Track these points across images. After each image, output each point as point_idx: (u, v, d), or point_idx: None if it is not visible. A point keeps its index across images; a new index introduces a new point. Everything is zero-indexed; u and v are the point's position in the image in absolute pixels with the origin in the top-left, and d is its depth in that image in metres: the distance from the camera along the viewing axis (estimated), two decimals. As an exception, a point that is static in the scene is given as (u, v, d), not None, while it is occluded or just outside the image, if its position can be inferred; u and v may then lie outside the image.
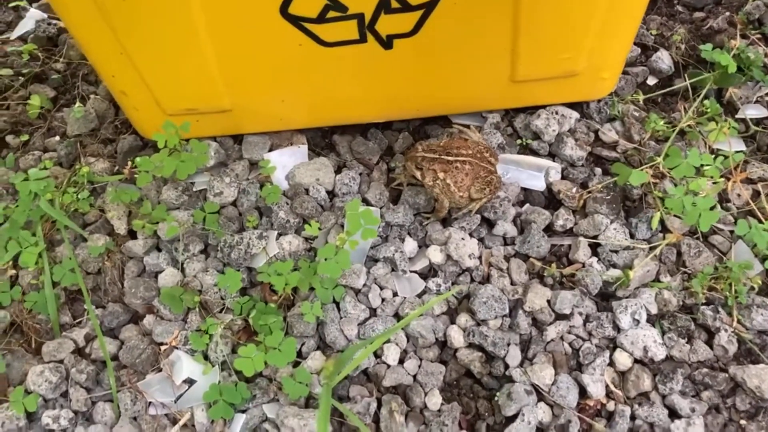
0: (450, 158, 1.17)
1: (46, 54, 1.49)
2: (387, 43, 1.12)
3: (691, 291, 1.15)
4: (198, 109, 1.22)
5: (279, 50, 1.11)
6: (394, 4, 1.05)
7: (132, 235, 1.26)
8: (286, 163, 1.30)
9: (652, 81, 1.42)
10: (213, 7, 1.02)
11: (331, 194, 1.28)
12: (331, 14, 1.05)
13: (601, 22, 1.11)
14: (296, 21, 1.06)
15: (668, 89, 1.38)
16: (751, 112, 1.35)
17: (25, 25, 1.55)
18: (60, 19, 1.57)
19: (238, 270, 1.18)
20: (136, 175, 1.27)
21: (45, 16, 1.56)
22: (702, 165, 1.15)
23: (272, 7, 1.03)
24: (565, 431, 1.04)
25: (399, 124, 1.35)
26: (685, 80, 1.38)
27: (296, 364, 1.10)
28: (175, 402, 1.09)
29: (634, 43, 1.43)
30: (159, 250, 1.24)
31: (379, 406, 1.08)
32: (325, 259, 1.08)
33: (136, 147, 1.34)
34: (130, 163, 1.30)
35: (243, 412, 1.08)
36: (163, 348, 1.13)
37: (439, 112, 1.33)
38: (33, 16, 1.56)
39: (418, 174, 1.18)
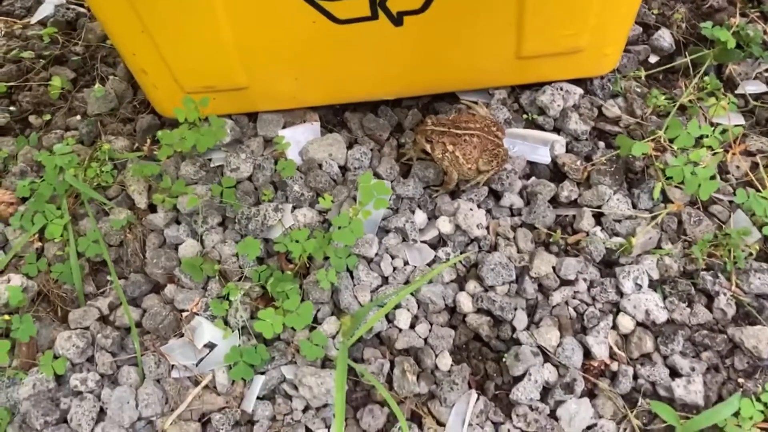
0: (459, 131, 1.21)
1: (65, 37, 1.54)
2: (397, 19, 1.16)
3: (691, 257, 1.19)
4: (215, 86, 1.26)
5: (293, 28, 1.15)
6: (405, -19, 1.09)
7: (152, 209, 1.30)
8: (299, 139, 1.34)
9: (653, 59, 1.46)
10: (231, -12, 1.07)
11: (344, 169, 1.32)
12: (344, -9, 1.10)
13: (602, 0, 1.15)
14: (311, -1, 1.10)
15: (669, 66, 1.42)
16: (751, 87, 1.39)
17: (45, 10, 1.60)
18: (78, 4, 1.62)
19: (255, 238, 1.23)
20: (155, 152, 1.32)
21: (63, 0, 1.61)
22: (702, 136, 1.19)
23: (288, -15, 1.07)
24: (570, 389, 1.08)
25: (408, 101, 1.39)
26: (686, 57, 1.42)
27: (312, 329, 1.15)
28: (197, 365, 1.14)
29: (636, 22, 1.47)
30: (178, 223, 1.28)
31: (392, 367, 1.12)
32: (339, 228, 1.13)
33: (155, 125, 1.39)
34: (149, 140, 1.35)
35: (262, 374, 1.12)
36: (184, 314, 1.18)
37: (448, 89, 1.36)
38: (52, 1, 1.61)
39: (428, 147, 1.22)
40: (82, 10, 1.59)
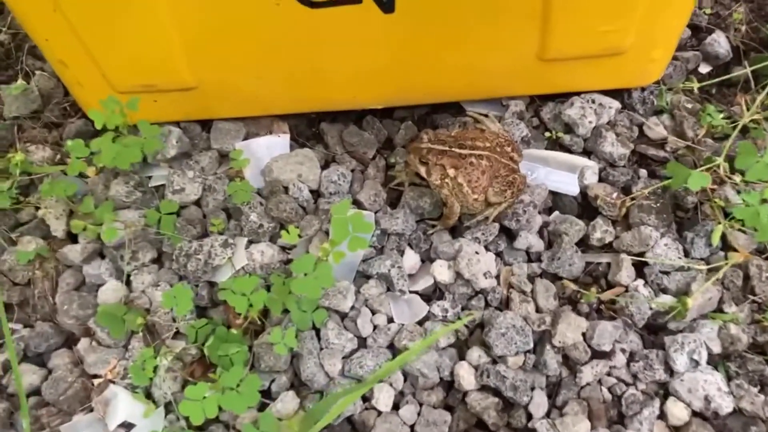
0: (463, 151, 0.95)
1: (-12, 23, 1.28)
2: (387, 4, 0.90)
3: (763, 325, 0.95)
4: (155, 85, 1.00)
5: (252, 11, 0.91)
6: (397, -48, 0.83)
7: (72, 238, 1.04)
8: (262, 154, 1.10)
9: (704, 69, 1.23)
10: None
11: (316, 194, 1.07)
12: (316, -37, 0.83)
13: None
14: (272, -29, 0.84)
15: (725, 77, 1.17)
16: (828, 106, 1.13)
17: (-34, -9, 1.35)
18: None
19: (197, 285, 0.97)
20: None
21: (-10, -20, 1.35)
22: (780, 167, 0.93)
23: (240, -48, 0.81)
24: (605, 506, 0.81)
25: (401, 111, 1.16)
26: (746, 68, 1.17)
27: (263, 407, 0.88)
28: (108, 452, 0.87)
29: (685, 23, 1.22)
30: (102, 257, 1.02)
31: (366, 465, 0.85)
32: (304, 275, 0.86)
33: (86, 133, 1.13)
34: (75, 151, 1.09)
35: (191, 468, 0.85)
36: (96, 382, 0.92)
37: (451, 98, 1.13)
38: (-24, -20, 1.35)
39: (422, 170, 0.96)
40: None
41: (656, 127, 1.11)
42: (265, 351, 0.91)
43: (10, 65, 1.25)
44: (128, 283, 0.99)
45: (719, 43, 1.20)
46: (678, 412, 0.89)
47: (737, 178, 1.02)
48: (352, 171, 1.08)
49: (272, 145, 1.10)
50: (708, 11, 1.25)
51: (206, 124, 1.13)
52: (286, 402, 0.89)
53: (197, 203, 1.06)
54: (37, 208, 1.06)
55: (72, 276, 1.01)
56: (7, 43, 1.27)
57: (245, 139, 1.12)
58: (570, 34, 0.97)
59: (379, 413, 0.90)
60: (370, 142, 1.10)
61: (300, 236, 0.99)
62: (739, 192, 1.03)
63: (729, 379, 0.92)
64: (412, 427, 0.89)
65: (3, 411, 0.90)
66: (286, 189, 1.05)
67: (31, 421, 0.89)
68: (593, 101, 1.10)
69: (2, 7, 1.32)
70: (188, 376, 0.91)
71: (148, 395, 0.91)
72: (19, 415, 0.90)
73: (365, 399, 0.91)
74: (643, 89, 1.14)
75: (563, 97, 1.12)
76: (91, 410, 0.90)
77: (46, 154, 1.12)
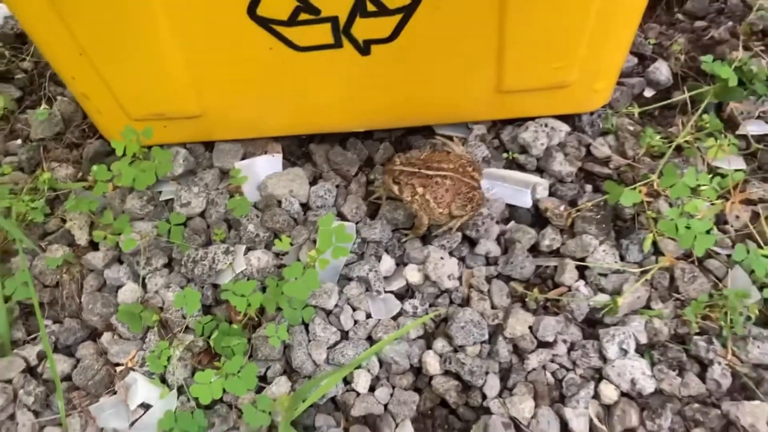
0: (430, 172, 1.10)
1: (12, 52, 1.43)
2: (364, 48, 1.05)
3: (683, 319, 1.08)
4: (165, 114, 1.15)
5: (249, 54, 1.05)
6: (371, 7, 0.98)
7: (94, 246, 1.19)
8: (258, 172, 1.23)
9: (649, 93, 1.35)
10: (176, 11, 0.96)
11: (305, 207, 1.21)
12: (303, 17, 0.98)
13: (594, 29, 1.04)
14: (266, 23, 0.99)
15: (666, 102, 1.31)
16: (753, 128, 1.27)
17: (-7, 21, 1.49)
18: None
19: (202, 287, 1.12)
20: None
21: (14, 12, 1.49)
22: (699, 185, 1.08)
23: (239, 8, 0.96)
24: (544, 470, 0.97)
25: (380, 133, 1.28)
26: (684, 93, 1.30)
27: (260, 390, 1.03)
28: (130, 427, 1.02)
29: (631, 53, 1.36)
30: (121, 262, 1.17)
31: (347, 437, 1.01)
32: (294, 279, 1.01)
33: (103, 152, 1.28)
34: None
35: (200, 441, 1.01)
36: (119, 369, 1.07)
37: (422, 122, 1.26)
38: (1, 12, 1.49)
39: (395, 189, 1.11)
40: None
41: (602, 147, 1.25)
42: (262, 343, 1.06)
43: (34, 90, 1.40)
44: (143, 285, 1.13)
45: (661, 71, 1.33)
46: (609, 393, 1.02)
47: (669, 193, 1.17)
48: (337, 186, 1.22)
49: (267, 164, 1.24)
50: (652, 41, 1.39)
51: (209, 145, 1.27)
52: (280, 385, 1.04)
53: (202, 215, 1.20)
54: (63, 220, 1.21)
55: (95, 279, 1.16)
56: (31, 71, 1.41)
57: (243, 158, 1.26)
58: (521, 72, 1.10)
59: (358, 394, 1.03)
60: (353, 160, 1.25)
61: (291, 244, 1.14)
62: (671, 205, 1.18)
63: (652, 365, 1.04)
64: (385, 405, 1.03)
65: (40, 394, 1.05)
66: (279, 203, 1.20)
67: (64, 403, 1.04)
68: (546, 125, 1.23)
69: (25, 39, 1.47)
70: (196, 364, 1.06)
71: (163, 380, 1.05)
72: (55, 397, 1.05)
73: (347, 382, 1.05)
74: (591, 113, 1.27)
75: (520, 122, 1.24)
76: (115, 393, 1.05)
77: (68, 172, 1.26)
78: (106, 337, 1.10)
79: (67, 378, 1.07)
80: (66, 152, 1.29)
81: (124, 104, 1.13)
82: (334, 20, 0.99)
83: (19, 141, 1.29)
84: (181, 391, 1.04)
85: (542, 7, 0.99)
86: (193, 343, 1.06)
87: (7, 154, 1.29)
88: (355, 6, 0.97)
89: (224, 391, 0.98)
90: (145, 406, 1.04)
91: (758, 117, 1.29)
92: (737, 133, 1.27)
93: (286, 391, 1.03)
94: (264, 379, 1.06)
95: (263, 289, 1.09)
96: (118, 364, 1.07)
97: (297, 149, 1.28)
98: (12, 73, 1.40)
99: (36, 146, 1.28)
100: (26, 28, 1.02)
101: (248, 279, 1.10)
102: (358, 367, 1.05)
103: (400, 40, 1.03)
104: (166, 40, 1.01)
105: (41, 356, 1.10)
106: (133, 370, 1.06)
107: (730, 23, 1.40)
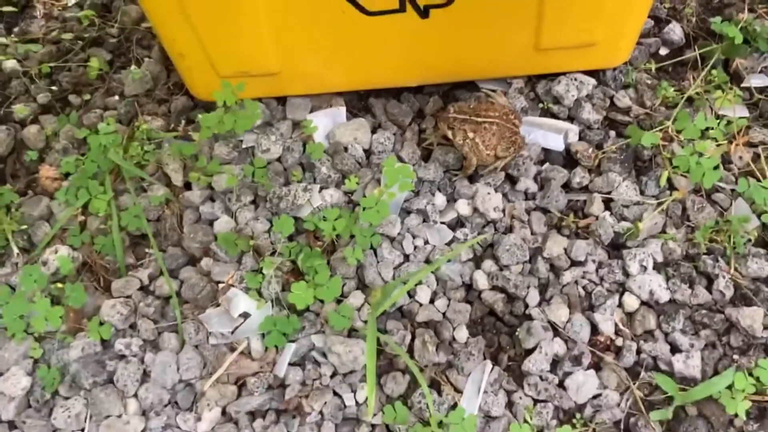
0: (479, 119, 1.28)
1: (101, 19, 1.61)
2: (424, 12, 1.22)
3: (693, 242, 1.27)
4: (249, 71, 1.33)
5: (324, 17, 1.22)
6: (433, -23, 1.16)
7: (187, 186, 1.38)
8: (325, 123, 1.42)
9: (664, 51, 1.52)
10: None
11: (368, 152, 1.39)
12: (375, -15, 1.16)
13: (619, -4, 1.22)
14: (343, -9, 1.17)
15: (679, 59, 1.49)
16: (756, 81, 1.46)
17: (81, -8, 1.67)
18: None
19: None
20: (190, 132, 1.40)
21: (99, -17, 1.68)
22: (707, 128, 1.27)
23: (322, -22, 1.14)
24: (577, 362, 1.17)
25: (430, 88, 1.46)
26: (695, 51, 1.48)
27: (339, 302, 1.24)
28: (232, 333, 1.23)
29: (648, 16, 1.52)
30: (212, 200, 1.36)
31: (413, 338, 1.21)
32: (365, 209, 1.21)
33: (189, 107, 1.47)
34: (183, 121, 1.43)
35: (293, 342, 1.21)
36: (220, 286, 1.27)
37: (468, 78, 1.44)
38: (88, -17, 1.67)
39: (449, 133, 1.30)
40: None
41: (623, 99, 1.43)
42: (339, 263, 1.26)
43: (122, 53, 1.57)
44: (235, 218, 1.33)
45: (675, 31, 1.51)
46: (631, 302, 1.21)
47: (681, 137, 1.36)
48: (394, 134, 1.40)
49: (333, 116, 1.42)
50: (667, 5, 1.56)
51: (281, 100, 1.45)
52: (356, 298, 1.23)
53: (279, 160, 1.38)
54: (159, 164, 1.41)
55: (192, 213, 1.35)
56: (118, 35, 1.59)
57: (311, 111, 1.45)
58: (556, 32, 1.27)
59: (421, 305, 1.23)
60: (407, 112, 1.42)
61: (358, 183, 1.33)
62: (683, 147, 1.37)
63: (667, 279, 1.22)
64: (444, 314, 1.23)
65: (157, 306, 1.26)
66: (345, 149, 1.38)
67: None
68: (575, 79, 1.41)
69: (110, 7, 1.65)
70: (287, 280, 1.27)
71: (259, 294, 1.24)
72: (169, 309, 1.26)
73: (410, 296, 1.24)
74: (614, 69, 1.44)
75: (553, 77, 1.41)
76: (218, 305, 1.24)
77: (159, 123, 1.44)
78: (206, 261, 1.30)
79: (176, 295, 1.27)
80: (155, 107, 1.47)
81: (215, 62, 1.30)
82: (401, -12, 1.18)
83: (116, 97, 1.48)
84: (274, 302, 1.24)
85: (577, -24, 1.17)
86: (282, 264, 1.27)
87: (106, 108, 1.48)
88: (421, -24, 1.15)
89: (315, 298, 1.18)
90: (245, 315, 1.23)
91: (760, 71, 1.48)
92: (742, 85, 1.45)
93: (361, 303, 1.24)
94: (341, 293, 1.25)
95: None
96: (219, 282, 1.27)
97: (357, 102, 1.46)
98: (102, 39, 1.58)
99: (131, 102, 1.46)
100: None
101: (332, 208, 1.30)
102: (420, 283, 1.25)
103: (456, 5, 1.20)
104: (257, 5, 1.19)
105: (151, 278, 1.30)
106: (233, 286, 1.26)
107: (737, -12, 1.57)
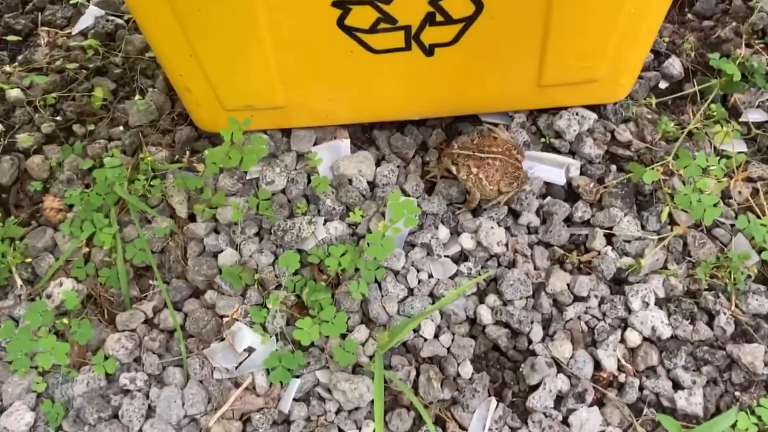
0: (483, 155, 1.30)
1: (105, 48, 1.61)
2: (429, 50, 1.24)
3: (695, 278, 1.28)
4: (255, 105, 1.34)
5: (332, 56, 1.23)
6: (439, 18, 1.17)
7: (191, 218, 1.39)
8: (330, 155, 1.43)
9: (663, 85, 1.54)
10: (277, 20, 1.14)
11: (372, 185, 1.41)
12: (382, 26, 1.18)
13: (621, 34, 1.23)
14: (350, 31, 1.18)
15: (679, 94, 1.51)
16: (753, 116, 1.48)
17: (85, 21, 1.67)
18: (117, 15, 1.69)
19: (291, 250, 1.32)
20: (195, 164, 1.41)
21: (103, 12, 1.68)
22: (708, 166, 1.28)
23: (330, 20, 1.15)
24: (581, 398, 1.18)
25: (432, 120, 1.48)
26: (694, 86, 1.51)
27: (343, 336, 1.24)
28: (237, 368, 1.23)
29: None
30: (217, 232, 1.37)
31: (418, 374, 1.22)
32: (370, 244, 1.22)
33: (193, 137, 1.47)
34: (188, 152, 1.44)
35: (298, 377, 1.22)
36: (225, 320, 1.27)
37: (471, 111, 1.45)
38: (92, 12, 1.68)
39: (453, 169, 1.31)
40: (120, 21, 1.67)
41: (624, 133, 1.45)
42: (344, 297, 1.26)
43: (126, 83, 1.58)
44: (239, 250, 1.34)
45: (674, 66, 1.53)
46: (633, 338, 1.22)
47: (682, 173, 1.37)
48: (398, 167, 1.41)
49: (337, 148, 1.44)
50: (666, 39, 1.58)
51: (285, 131, 1.46)
52: (360, 332, 1.23)
53: (283, 191, 1.39)
54: (163, 195, 1.41)
55: (196, 246, 1.35)
56: (122, 65, 1.60)
57: (315, 143, 1.46)
58: (559, 69, 1.28)
59: (425, 339, 1.24)
60: (411, 144, 1.44)
61: (362, 216, 1.34)
62: (684, 183, 1.38)
63: (669, 315, 1.24)
64: (448, 349, 1.24)
65: (162, 340, 1.26)
66: (350, 181, 1.40)
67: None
68: (577, 113, 1.43)
69: (115, 36, 1.66)
70: (291, 315, 1.27)
71: (264, 328, 1.25)
72: (173, 343, 1.26)
73: (415, 330, 1.25)
74: (615, 103, 1.48)
75: (554, 111, 1.43)
76: (223, 339, 1.25)
77: (164, 154, 1.46)
78: (210, 294, 1.30)
79: (180, 328, 1.28)
80: (160, 137, 1.48)
81: (222, 97, 1.32)
82: (407, 28, 1.19)
83: (120, 128, 1.49)
84: (278, 337, 1.24)
85: (580, 16, 1.19)
86: (286, 298, 1.27)
87: (110, 139, 1.49)
88: (426, 17, 1.17)
89: (320, 334, 1.19)
90: (249, 350, 1.24)
91: (758, 106, 1.50)
92: (740, 120, 1.48)
93: (366, 337, 1.24)
94: (346, 328, 1.26)
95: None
96: (224, 316, 1.28)
97: (362, 135, 1.47)
98: (106, 68, 1.59)
99: (135, 132, 1.47)
100: (148, 37, 1.21)
101: (329, 246, 1.31)
102: (425, 318, 1.25)
103: (460, 44, 1.22)
104: (265, 44, 1.20)
105: (156, 310, 1.30)
106: (238, 320, 1.26)
107: (734, 23, 1.60)
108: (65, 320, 1.23)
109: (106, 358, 1.23)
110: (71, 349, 1.24)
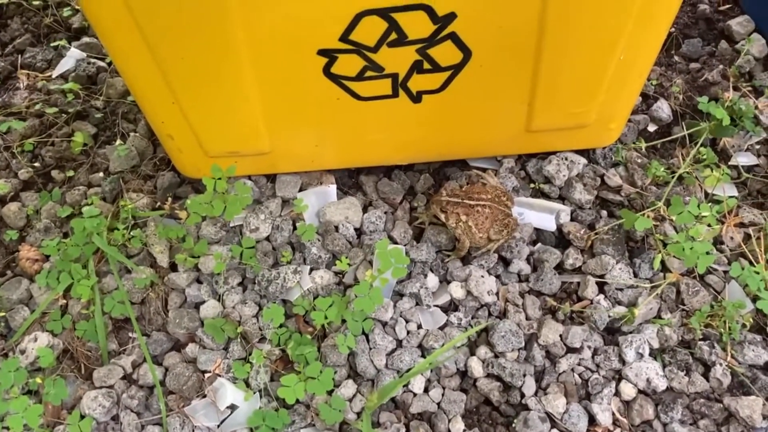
0: (472, 202, 1.27)
1: (86, 92, 1.58)
2: (416, 97, 1.22)
3: (689, 327, 1.26)
4: (239, 152, 1.31)
5: (318, 103, 1.21)
6: (426, 66, 1.15)
7: (173, 267, 1.35)
8: (316, 201, 1.40)
9: (652, 128, 1.53)
10: (263, 67, 1.12)
11: (359, 231, 1.37)
12: (369, 74, 1.16)
13: (611, 80, 1.22)
14: (336, 79, 1.16)
15: (668, 138, 1.50)
16: (743, 159, 1.47)
17: (66, 64, 1.64)
18: (99, 58, 1.66)
19: (275, 302, 1.28)
20: (177, 211, 1.37)
21: (84, 55, 1.65)
22: (700, 213, 1.26)
23: (317, 68, 1.13)
24: (576, 456, 1.14)
25: (420, 165, 1.46)
26: (683, 129, 1.50)
27: (330, 392, 1.20)
28: (219, 426, 1.18)
29: (636, 93, 1.54)
30: (199, 282, 1.33)
31: (407, 431, 1.18)
32: (357, 296, 1.18)
33: (175, 183, 1.44)
34: (170, 198, 1.40)
35: (282, 436, 1.17)
36: (206, 375, 1.22)
37: (459, 157, 1.43)
38: (73, 55, 1.65)
39: (442, 216, 1.28)
40: (102, 64, 1.64)
41: (614, 177, 1.44)
42: (330, 351, 1.22)
43: (107, 127, 1.55)
44: (222, 301, 1.30)
45: (662, 109, 1.52)
46: (628, 390, 1.18)
47: (674, 219, 1.35)
48: (385, 213, 1.38)
49: (323, 194, 1.41)
50: (654, 82, 1.58)
51: (270, 176, 1.44)
52: (348, 388, 1.20)
53: (267, 239, 1.36)
54: (144, 245, 1.37)
55: (177, 297, 1.32)
56: (103, 108, 1.57)
57: (301, 188, 1.43)
58: (547, 115, 1.27)
59: (415, 394, 1.20)
60: (398, 190, 1.42)
61: (349, 264, 1.31)
62: (676, 230, 1.36)
63: (664, 366, 1.21)
64: (438, 404, 1.20)
65: (141, 397, 1.21)
66: (336, 228, 1.37)
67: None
68: (566, 158, 1.41)
69: (96, 80, 1.63)
70: (275, 370, 1.23)
71: (247, 384, 1.20)
72: (153, 400, 1.21)
73: (404, 385, 1.22)
74: (604, 147, 1.47)
75: (543, 155, 1.42)
76: (204, 396, 1.20)
77: (145, 201, 1.42)
78: (191, 347, 1.26)
79: (160, 384, 1.23)
80: (141, 183, 1.44)
81: (205, 144, 1.29)
82: (394, 76, 1.17)
83: (100, 174, 1.45)
84: (262, 393, 1.20)
85: (570, 63, 1.17)
86: (270, 351, 1.23)
87: (90, 185, 1.45)
88: (414, 65, 1.15)
89: (305, 392, 1.14)
90: (232, 407, 1.19)
91: (747, 149, 1.49)
92: (729, 163, 1.47)
93: (353, 393, 1.20)
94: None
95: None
96: (205, 371, 1.23)
97: (348, 180, 1.45)
98: (87, 112, 1.56)
99: (116, 178, 1.43)
100: (129, 82, 1.18)
101: (314, 296, 1.27)
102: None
103: (448, 91, 1.21)
104: (250, 91, 1.17)
105: (135, 365, 1.26)
106: (220, 375, 1.22)
107: (721, 66, 1.59)
108: (39, 379, 1.17)
109: (82, 417, 1.18)
110: (45, 408, 1.19)
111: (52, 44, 1.67)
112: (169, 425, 1.17)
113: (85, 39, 1.68)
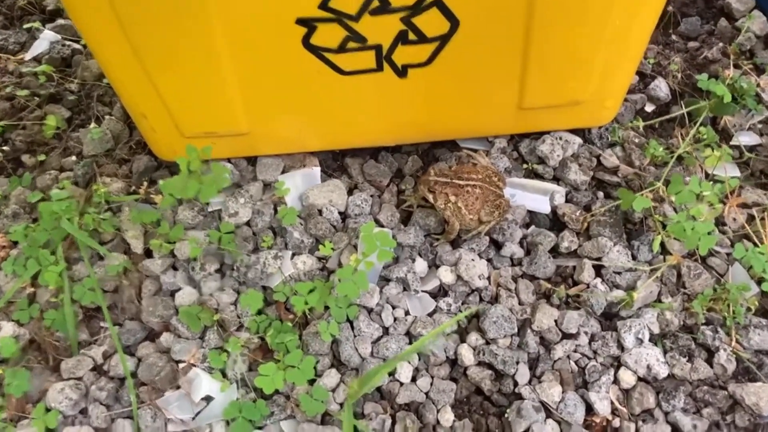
0: (461, 182, 1.21)
1: (60, 75, 1.52)
2: (402, 71, 1.16)
3: (691, 311, 1.19)
4: (216, 132, 1.25)
5: (298, 78, 1.15)
6: (412, 36, 1.09)
7: (147, 254, 1.28)
8: (298, 184, 1.33)
9: (650, 108, 1.47)
10: (238, 40, 1.06)
11: (344, 215, 1.31)
12: (351, 45, 1.09)
13: (606, 55, 1.16)
14: (317, 51, 1.10)
15: (666, 117, 1.43)
16: (745, 139, 1.41)
17: (40, 46, 1.58)
18: (74, 40, 1.60)
19: (254, 289, 1.21)
20: (152, 196, 1.30)
21: (59, 37, 1.59)
22: (701, 192, 1.20)
23: (295, 38, 1.07)
24: (573, 447, 1.08)
25: (408, 147, 1.39)
26: (682, 108, 1.43)
27: (311, 382, 1.13)
28: (193, 419, 1.12)
29: (633, 72, 1.48)
30: (175, 269, 1.26)
31: (393, 422, 1.11)
32: (341, 280, 1.12)
33: (151, 167, 1.37)
34: (145, 182, 1.33)
35: (260, 429, 1.10)
36: (181, 366, 1.16)
37: (448, 137, 1.37)
38: (47, 37, 1.59)
39: (430, 197, 1.22)
40: (77, 47, 1.58)
41: (610, 158, 1.38)
42: (312, 338, 1.16)
43: (82, 110, 1.49)
44: (199, 288, 1.23)
45: (660, 88, 1.46)
46: (627, 378, 1.13)
47: (674, 199, 1.29)
48: (371, 196, 1.32)
49: (306, 176, 1.35)
50: (652, 60, 1.52)
51: (251, 160, 1.37)
52: (330, 377, 1.13)
53: (248, 224, 1.30)
54: (117, 230, 1.30)
55: (152, 284, 1.25)
56: (78, 91, 1.51)
57: (283, 171, 1.36)
58: (541, 91, 1.21)
59: (401, 384, 1.13)
60: (385, 172, 1.35)
61: (333, 249, 1.25)
62: (676, 210, 1.30)
63: (665, 352, 1.15)
64: (426, 393, 1.13)
65: (111, 389, 1.14)
66: (320, 212, 1.30)
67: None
68: (560, 138, 1.35)
69: (70, 62, 1.57)
70: (254, 359, 1.16)
71: (223, 375, 1.14)
72: (124, 392, 1.14)
73: (390, 374, 1.15)
74: (600, 127, 1.41)
75: (537, 135, 1.36)
76: (179, 388, 1.14)
77: (120, 186, 1.35)
78: (165, 337, 1.19)
79: (132, 375, 1.16)
80: (116, 167, 1.38)
81: (180, 124, 1.22)
82: (378, 48, 1.11)
83: (73, 158, 1.38)
84: (239, 384, 1.13)
85: (562, 36, 1.11)
86: (249, 340, 1.16)
87: (62, 170, 1.38)
88: (398, 35, 1.09)
89: (284, 382, 1.08)
90: (207, 399, 1.13)
91: (749, 129, 1.43)
92: (731, 143, 1.41)
93: (337, 383, 1.13)
94: (314, 372, 1.15)
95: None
96: (180, 361, 1.16)
97: (333, 162, 1.38)
98: (61, 95, 1.49)
99: (89, 162, 1.37)
100: (99, 59, 1.12)
101: (296, 281, 1.21)
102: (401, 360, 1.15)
103: (435, 64, 1.15)
104: (225, 67, 1.11)
105: (106, 356, 1.19)
106: (195, 366, 1.15)
107: (721, 44, 1.54)
108: (0, 370, 1.10)
109: (48, 410, 1.11)
110: (9, 401, 1.12)
111: (25, 26, 1.60)
112: (140, 418, 1.11)
113: (60, 21, 1.62)
